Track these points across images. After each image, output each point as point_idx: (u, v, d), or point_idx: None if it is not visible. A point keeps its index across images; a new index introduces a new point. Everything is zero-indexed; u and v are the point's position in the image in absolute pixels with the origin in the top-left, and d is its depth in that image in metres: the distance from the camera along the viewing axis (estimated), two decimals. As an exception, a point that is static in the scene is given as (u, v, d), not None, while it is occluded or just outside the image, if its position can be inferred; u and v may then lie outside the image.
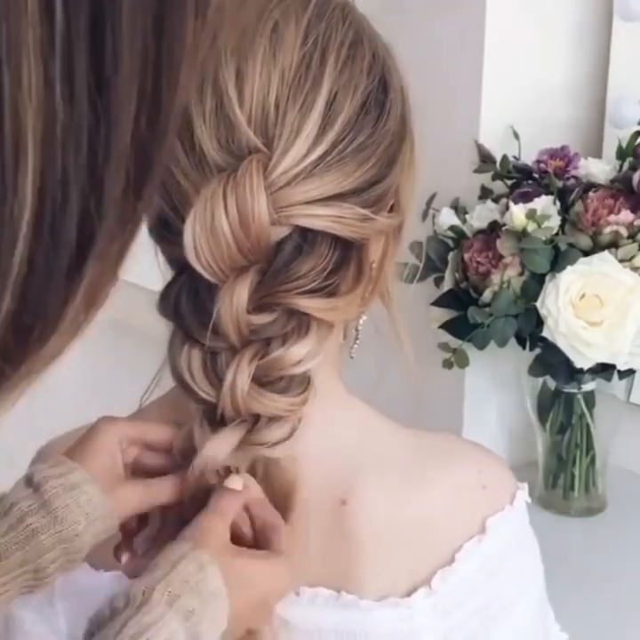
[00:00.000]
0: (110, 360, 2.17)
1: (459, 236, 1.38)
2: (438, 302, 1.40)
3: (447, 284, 1.39)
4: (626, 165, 1.34)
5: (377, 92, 0.71)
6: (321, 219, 0.68)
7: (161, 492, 0.71)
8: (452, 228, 1.38)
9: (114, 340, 2.25)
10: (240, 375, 0.67)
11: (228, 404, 0.67)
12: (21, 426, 1.62)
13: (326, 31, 0.70)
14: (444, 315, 1.39)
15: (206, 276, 0.67)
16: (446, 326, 1.38)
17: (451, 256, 1.38)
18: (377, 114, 0.71)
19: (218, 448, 0.68)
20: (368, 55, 0.71)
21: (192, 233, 0.66)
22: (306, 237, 0.69)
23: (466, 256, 1.34)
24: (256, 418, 0.68)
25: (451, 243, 1.39)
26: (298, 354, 0.68)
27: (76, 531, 0.67)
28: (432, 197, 1.41)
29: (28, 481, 0.69)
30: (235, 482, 0.69)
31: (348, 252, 0.70)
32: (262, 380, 0.68)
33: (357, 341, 0.78)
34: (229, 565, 0.65)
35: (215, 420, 0.69)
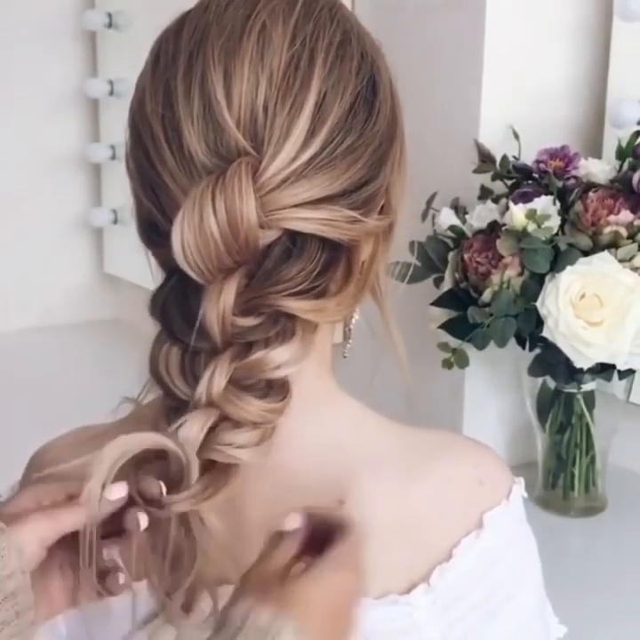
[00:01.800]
0: (109, 360, 2.17)
1: (458, 236, 1.38)
2: (438, 302, 1.40)
3: (447, 284, 1.39)
4: (626, 165, 1.34)
5: (366, 93, 0.71)
6: (310, 222, 0.68)
7: (66, 518, 0.68)
8: (451, 228, 1.38)
9: (114, 340, 2.25)
10: (218, 373, 0.66)
11: (202, 400, 0.67)
12: (19, 425, 1.62)
13: (314, 31, 0.69)
14: (444, 315, 1.39)
15: (193, 276, 0.67)
16: (446, 326, 1.38)
17: (450, 256, 1.38)
18: (366, 115, 0.70)
19: (189, 431, 0.66)
20: (357, 55, 0.71)
21: (180, 233, 0.66)
22: (295, 240, 0.68)
23: (466, 256, 1.34)
24: (225, 417, 0.68)
25: (450, 243, 1.39)
26: (279, 358, 0.68)
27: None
28: (432, 197, 1.41)
29: None
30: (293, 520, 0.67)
31: (336, 253, 0.70)
32: (241, 383, 0.68)
33: (350, 341, 0.78)
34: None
35: (184, 414, 0.67)
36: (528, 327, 1.31)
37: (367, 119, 0.70)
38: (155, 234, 0.71)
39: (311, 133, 0.68)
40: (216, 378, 0.67)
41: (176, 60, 0.69)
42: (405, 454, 0.75)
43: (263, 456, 0.69)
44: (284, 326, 0.68)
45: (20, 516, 0.67)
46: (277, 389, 0.69)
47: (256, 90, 0.67)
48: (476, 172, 1.42)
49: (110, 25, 2.15)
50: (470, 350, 1.35)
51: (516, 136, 1.44)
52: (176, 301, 0.69)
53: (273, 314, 0.68)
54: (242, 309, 0.67)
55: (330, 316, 0.71)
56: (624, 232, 1.28)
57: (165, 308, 0.69)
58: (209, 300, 0.66)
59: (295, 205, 0.67)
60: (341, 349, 0.79)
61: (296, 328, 0.69)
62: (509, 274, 1.30)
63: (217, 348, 0.67)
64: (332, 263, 0.70)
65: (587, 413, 1.39)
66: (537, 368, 1.37)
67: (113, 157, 2.20)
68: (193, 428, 0.67)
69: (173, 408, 0.69)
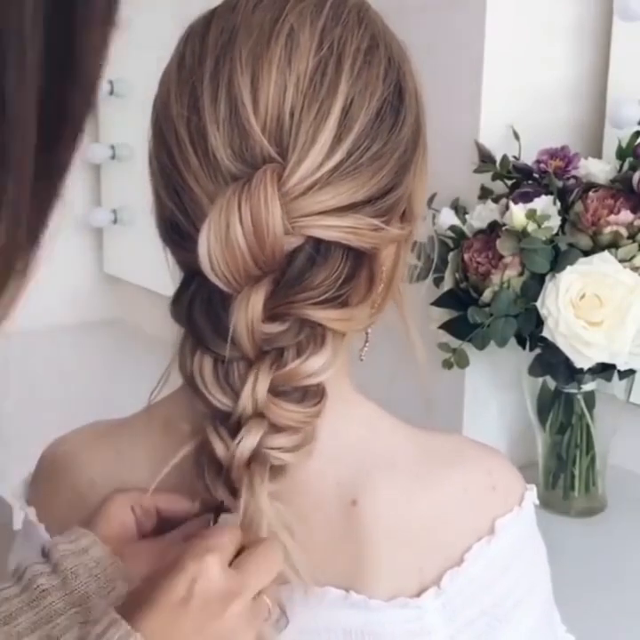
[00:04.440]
0: (109, 360, 2.17)
1: (459, 236, 1.38)
2: (438, 302, 1.40)
3: (447, 284, 1.39)
4: (626, 165, 1.34)
5: (392, 99, 0.70)
6: (335, 229, 0.68)
7: (172, 546, 0.71)
8: (452, 228, 1.38)
9: (114, 340, 2.26)
10: (260, 384, 0.67)
11: (247, 411, 0.67)
12: (19, 425, 1.62)
13: (342, 36, 0.69)
14: (444, 315, 1.39)
15: (221, 285, 0.67)
16: (446, 326, 1.38)
17: (451, 256, 1.38)
18: (392, 121, 0.70)
19: (249, 445, 0.68)
20: (384, 60, 0.71)
21: (207, 244, 0.66)
22: (319, 248, 0.68)
23: (466, 256, 1.34)
24: (271, 423, 0.69)
25: (451, 243, 1.39)
26: (314, 365, 0.68)
27: (86, 591, 0.67)
28: (432, 197, 1.41)
29: (42, 550, 0.70)
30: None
31: (359, 261, 0.70)
32: (277, 390, 0.68)
33: (367, 344, 0.78)
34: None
35: (230, 426, 0.68)
36: (528, 327, 1.31)
37: (393, 126, 0.70)
38: (176, 234, 0.71)
39: (337, 140, 0.67)
40: (259, 387, 0.67)
41: (202, 62, 0.69)
42: (419, 457, 0.75)
43: (306, 457, 0.70)
44: (315, 333, 0.69)
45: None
46: (313, 393, 0.70)
47: (283, 95, 0.67)
48: (476, 171, 1.42)
49: (110, 25, 2.15)
50: (470, 350, 1.35)
51: (516, 136, 1.44)
52: (202, 308, 0.69)
53: (299, 319, 0.68)
54: (268, 316, 0.67)
55: (356, 324, 0.72)
56: (624, 232, 1.28)
57: (191, 315, 0.69)
58: (238, 310, 0.67)
59: (320, 213, 0.67)
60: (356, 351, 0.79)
61: (326, 335, 0.69)
62: (509, 274, 1.30)
63: (248, 356, 0.68)
64: (355, 271, 0.70)
65: (587, 413, 1.39)
66: (537, 368, 1.37)
67: (113, 157, 2.20)
68: (253, 441, 0.68)
69: (211, 416, 0.69)
